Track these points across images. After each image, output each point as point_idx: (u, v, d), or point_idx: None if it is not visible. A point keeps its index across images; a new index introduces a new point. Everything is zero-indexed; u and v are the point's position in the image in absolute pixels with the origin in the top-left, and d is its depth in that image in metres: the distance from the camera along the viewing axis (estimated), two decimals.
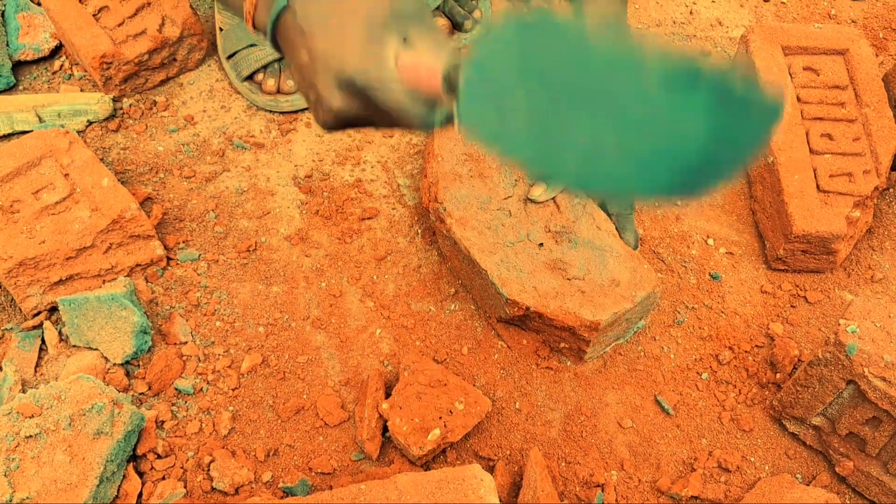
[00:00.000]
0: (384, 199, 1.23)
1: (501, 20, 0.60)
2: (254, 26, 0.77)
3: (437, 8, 1.37)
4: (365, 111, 0.70)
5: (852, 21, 1.46)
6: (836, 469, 1.00)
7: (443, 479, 0.86)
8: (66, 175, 1.11)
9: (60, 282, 1.08)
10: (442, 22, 1.36)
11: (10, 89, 1.32)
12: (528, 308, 1.02)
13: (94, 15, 1.28)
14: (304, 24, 0.70)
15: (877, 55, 1.40)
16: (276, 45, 0.75)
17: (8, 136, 1.26)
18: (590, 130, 0.56)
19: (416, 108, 0.67)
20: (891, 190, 1.24)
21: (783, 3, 1.48)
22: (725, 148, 0.55)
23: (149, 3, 1.30)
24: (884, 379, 0.89)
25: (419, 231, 1.20)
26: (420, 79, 0.66)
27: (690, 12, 1.46)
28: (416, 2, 0.70)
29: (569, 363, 1.10)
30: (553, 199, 1.10)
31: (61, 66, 1.35)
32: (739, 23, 1.45)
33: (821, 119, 1.19)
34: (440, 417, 0.99)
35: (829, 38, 1.26)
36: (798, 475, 1.03)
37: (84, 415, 0.94)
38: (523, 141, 0.59)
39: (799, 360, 1.08)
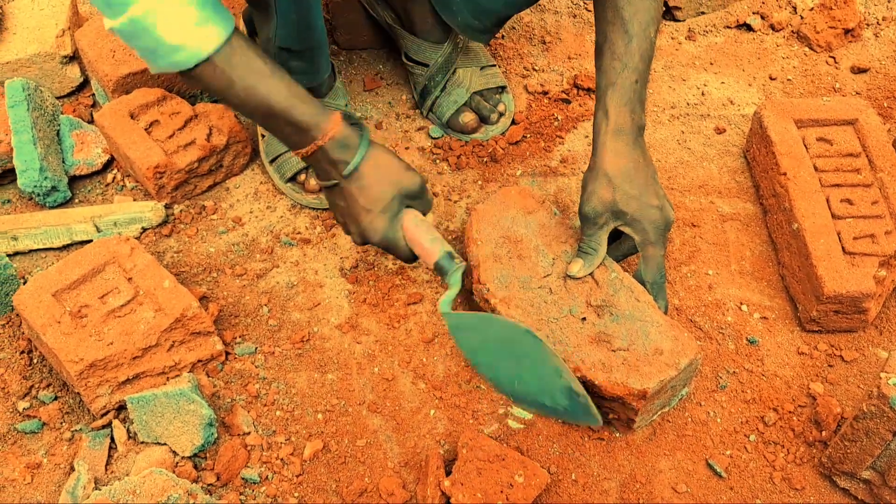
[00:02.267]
0: (427, 284, 1.29)
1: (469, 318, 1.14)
2: (304, 160, 1.10)
3: (465, 104, 1.46)
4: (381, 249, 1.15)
5: (857, 93, 1.54)
6: None
7: None
8: (130, 279, 1.18)
9: (127, 381, 1.13)
10: (470, 116, 1.45)
11: (67, 202, 1.40)
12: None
13: (145, 129, 1.38)
14: (350, 189, 1.08)
15: (884, 123, 1.47)
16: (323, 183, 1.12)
17: (67, 247, 1.34)
18: (513, 372, 1.11)
19: (412, 261, 1.14)
20: None
21: (789, 80, 1.57)
22: (564, 415, 1.10)
23: (196, 115, 1.40)
24: None
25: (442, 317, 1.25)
26: (419, 247, 1.10)
27: (702, 94, 1.55)
28: (420, 185, 1.10)
29: (618, 434, 1.13)
30: (591, 274, 1.15)
31: (114, 178, 1.44)
32: (750, 101, 1.53)
33: (839, 186, 1.26)
34: (501, 491, 1.02)
35: (838, 109, 1.34)
36: None
37: None
38: (474, 356, 1.14)
39: (842, 417, 1.11)
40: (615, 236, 1.16)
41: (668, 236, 1.12)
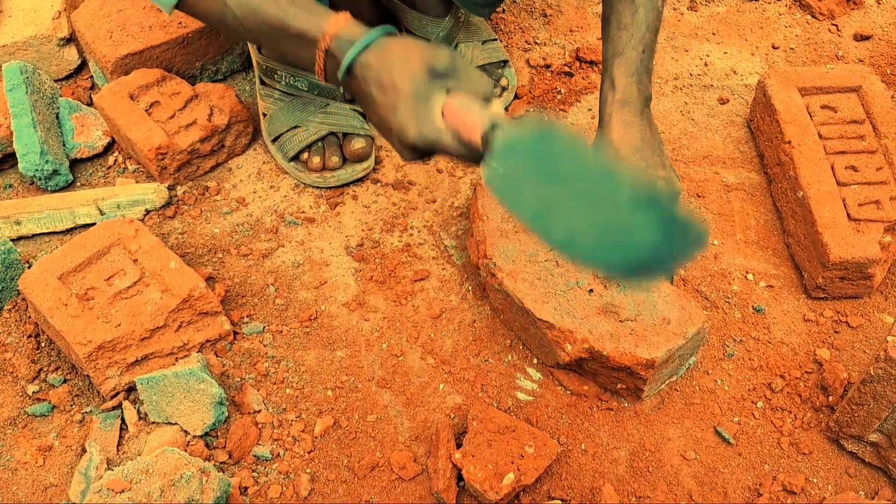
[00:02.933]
0: (433, 261, 1.29)
1: (528, 125, 0.83)
2: (326, 80, 0.96)
3: None
4: (430, 155, 0.90)
5: (859, 60, 1.53)
6: None
7: None
8: (135, 260, 1.18)
9: (136, 362, 1.13)
10: None
11: (69, 186, 1.40)
12: (586, 351, 1.07)
13: (146, 110, 1.37)
14: (368, 90, 0.90)
15: (887, 89, 1.47)
16: (349, 94, 0.97)
17: (71, 230, 1.34)
18: (577, 216, 0.80)
19: (466, 152, 0.87)
20: None
21: (792, 49, 1.56)
22: (663, 255, 0.78)
23: (196, 96, 1.39)
24: None
25: (470, 288, 1.25)
26: (462, 126, 0.86)
27: (705, 64, 1.54)
28: (449, 59, 0.88)
29: (626, 404, 1.14)
30: None
31: (115, 160, 1.43)
32: (753, 70, 1.53)
33: (843, 153, 1.25)
34: (512, 462, 1.03)
35: (842, 77, 1.33)
36: (861, 492, 1.05)
37: (174, 485, 0.99)
38: (530, 211, 0.83)
39: (849, 382, 1.12)
40: None
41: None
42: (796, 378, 1.15)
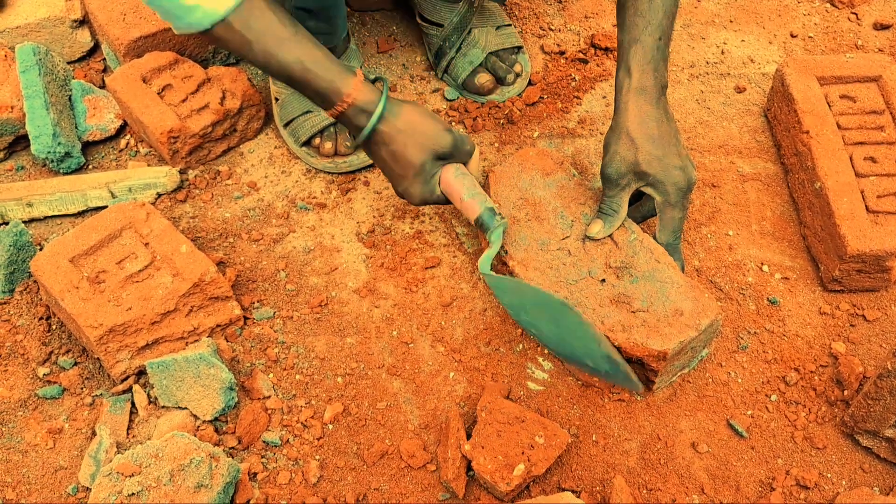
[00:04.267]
0: (445, 249, 1.28)
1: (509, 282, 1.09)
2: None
3: (481, 64, 1.43)
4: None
5: (879, 49, 1.51)
6: None
7: None
8: (147, 244, 1.17)
9: (147, 346, 1.13)
10: (486, 77, 1.43)
11: (81, 168, 1.39)
12: None
13: (158, 93, 1.36)
14: (381, 153, 1.08)
15: None
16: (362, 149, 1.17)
17: (82, 213, 1.33)
18: (554, 334, 1.07)
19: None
20: None
21: (810, 37, 1.54)
22: (610, 378, 1.07)
23: (208, 79, 1.38)
24: None
25: (481, 277, 1.24)
26: (458, 203, 1.10)
27: (722, 52, 1.52)
28: (451, 144, 1.07)
29: (638, 396, 1.13)
30: (610, 236, 1.14)
31: (127, 143, 1.43)
32: (770, 59, 1.51)
33: (862, 143, 1.24)
34: (523, 452, 1.02)
35: (861, 66, 1.31)
36: (875, 487, 1.04)
37: (183, 470, 0.99)
38: (517, 314, 1.09)
39: (864, 377, 1.11)
40: (635, 198, 1.15)
41: (690, 197, 1.10)
42: (811, 371, 1.14)
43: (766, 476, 1.06)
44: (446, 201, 1.12)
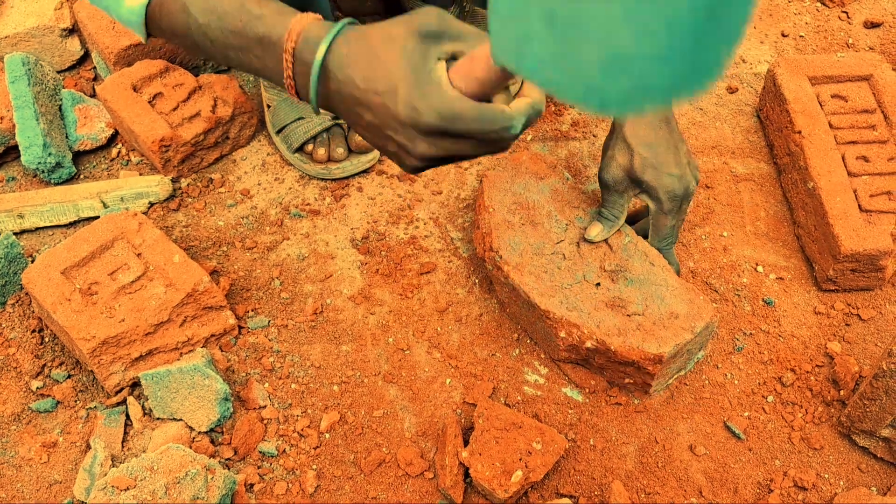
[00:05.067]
0: (440, 254, 1.28)
1: None
2: (297, 96, 0.81)
3: None
4: (449, 146, 0.74)
5: (870, 48, 1.51)
6: None
7: None
8: (139, 255, 1.17)
9: (141, 357, 1.13)
10: None
11: (72, 179, 1.39)
12: (591, 346, 1.06)
13: (149, 102, 1.36)
14: (353, 90, 0.74)
15: None
16: (327, 108, 0.80)
17: (74, 224, 1.33)
18: (604, 30, 0.52)
19: (493, 118, 0.71)
20: None
21: (801, 36, 1.54)
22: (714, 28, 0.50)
23: (200, 87, 1.38)
24: None
25: (476, 281, 1.24)
26: (474, 74, 0.69)
27: None
28: (437, 16, 0.73)
29: (636, 401, 1.13)
30: (605, 240, 1.14)
31: (118, 152, 1.42)
32: (762, 58, 1.51)
33: (854, 143, 1.24)
34: (520, 459, 1.02)
35: (852, 65, 1.31)
36: (873, 487, 1.04)
37: (179, 483, 0.98)
38: (548, 62, 0.58)
39: (860, 376, 1.11)
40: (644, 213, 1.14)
41: (687, 205, 1.10)
42: (807, 372, 1.14)
43: (763, 478, 1.06)
44: (468, 106, 0.70)
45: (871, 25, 1.55)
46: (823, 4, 1.59)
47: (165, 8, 0.87)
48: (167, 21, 0.87)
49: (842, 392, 1.10)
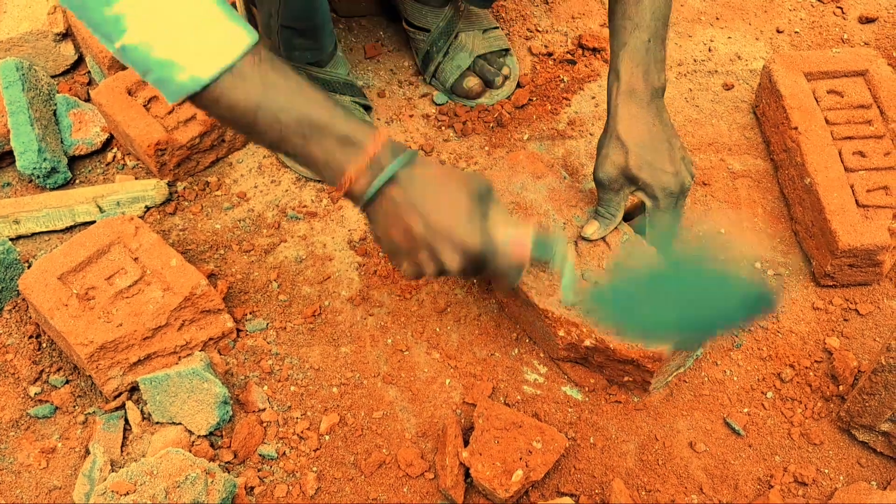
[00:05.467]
0: None
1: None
2: (344, 192, 0.89)
3: (469, 68, 1.43)
4: (471, 270, 0.90)
5: (865, 43, 1.51)
6: None
7: None
8: (136, 259, 1.16)
9: (139, 362, 1.12)
10: (474, 81, 1.43)
11: (67, 184, 1.38)
12: (590, 345, 1.06)
13: (144, 106, 1.35)
14: (416, 198, 0.87)
15: (894, 72, 1.44)
16: (366, 207, 0.89)
17: (71, 229, 1.32)
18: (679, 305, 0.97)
19: (512, 274, 0.92)
20: None
21: (796, 32, 1.54)
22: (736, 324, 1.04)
23: None
24: None
25: (475, 281, 1.24)
26: (511, 249, 0.90)
27: (709, 49, 1.52)
28: (488, 183, 0.92)
29: (636, 399, 1.13)
30: (603, 238, 1.13)
31: (114, 157, 1.42)
32: (757, 55, 1.51)
33: (851, 138, 1.24)
34: (521, 458, 1.02)
35: (848, 60, 1.31)
36: (873, 482, 1.04)
37: (179, 487, 0.98)
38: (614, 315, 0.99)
39: (859, 371, 1.11)
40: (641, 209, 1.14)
41: (684, 201, 1.10)
42: (806, 367, 1.14)
43: (764, 473, 1.06)
44: (503, 251, 0.90)
45: (867, 21, 1.55)
46: (819, 0, 1.59)
47: (231, 89, 0.83)
48: (227, 99, 0.83)
49: (841, 387, 1.10)
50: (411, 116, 1.45)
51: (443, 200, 0.87)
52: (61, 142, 1.40)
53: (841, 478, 1.05)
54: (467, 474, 1.04)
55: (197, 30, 0.80)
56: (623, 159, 1.06)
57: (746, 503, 1.03)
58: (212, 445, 1.08)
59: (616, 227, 1.13)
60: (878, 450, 1.06)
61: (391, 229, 0.89)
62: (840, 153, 1.22)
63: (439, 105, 1.46)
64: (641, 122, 1.06)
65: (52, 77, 1.52)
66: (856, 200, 1.17)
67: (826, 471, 1.06)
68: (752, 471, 1.06)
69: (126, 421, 1.12)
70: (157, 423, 1.11)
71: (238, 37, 0.82)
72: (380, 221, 0.90)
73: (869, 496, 0.98)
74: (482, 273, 0.91)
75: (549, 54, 1.52)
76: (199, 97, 0.83)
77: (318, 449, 1.09)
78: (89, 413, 1.13)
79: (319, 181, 1.36)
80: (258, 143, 0.96)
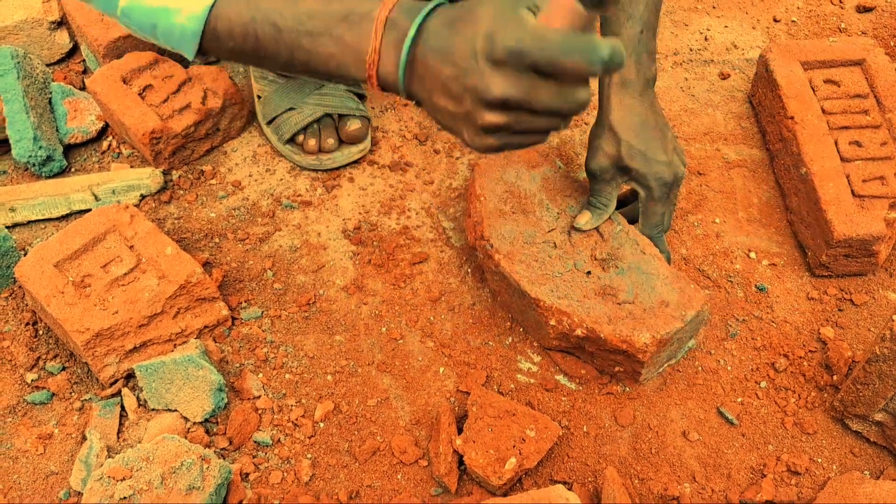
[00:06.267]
0: (432, 243, 1.28)
1: None
2: (376, 73, 0.78)
3: None
4: (527, 85, 0.69)
5: (862, 32, 1.51)
6: None
7: (530, 502, 0.89)
8: (132, 247, 1.17)
9: (135, 349, 1.13)
10: None
11: (63, 172, 1.38)
12: (581, 334, 1.06)
13: (139, 94, 1.35)
14: (443, 42, 0.73)
15: (891, 62, 1.44)
16: (407, 82, 0.78)
17: (66, 217, 1.33)
18: None
19: (576, 43, 0.66)
20: None
21: (793, 21, 1.54)
22: None
23: (190, 78, 1.37)
24: None
25: (469, 270, 1.24)
26: (558, 19, 0.70)
27: (705, 38, 1.52)
28: None
29: (626, 389, 1.13)
30: (596, 228, 1.14)
31: (109, 145, 1.42)
32: (754, 44, 1.50)
33: (847, 128, 1.24)
34: (514, 446, 1.02)
35: (845, 50, 1.31)
36: (866, 471, 1.05)
37: (174, 472, 0.98)
38: None
39: (853, 361, 1.11)
40: (633, 198, 1.14)
41: (677, 191, 1.10)
42: (800, 357, 1.14)
43: (756, 462, 1.06)
44: (557, 36, 0.67)
45: (864, 10, 1.55)
46: None
47: (224, 9, 0.83)
48: (224, 22, 0.83)
49: (835, 377, 1.11)
50: (406, 105, 1.45)
51: (467, 28, 0.71)
52: (56, 130, 1.40)
53: (834, 467, 1.06)
54: (461, 462, 1.05)
55: None
56: (616, 150, 1.06)
57: (739, 492, 1.04)
58: (207, 432, 1.09)
59: (609, 218, 1.13)
60: (872, 439, 1.06)
61: (434, 95, 0.76)
62: (836, 143, 1.22)
63: None
64: (634, 112, 1.06)
65: (47, 65, 1.51)
66: (851, 190, 1.17)
67: (819, 460, 1.06)
68: (745, 460, 1.07)
69: (122, 407, 1.13)
70: (153, 409, 1.12)
71: None
72: (424, 93, 0.77)
73: (861, 485, 0.98)
74: (542, 81, 0.69)
75: None
76: (204, 40, 0.83)
77: (312, 436, 1.10)
78: (86, 400, 1.14)
79: (314, 170, 1.35)
80: (277, 67, 0.87)
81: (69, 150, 1.41)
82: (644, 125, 1.07)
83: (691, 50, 1.51)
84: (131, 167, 1.38)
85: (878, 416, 1.03)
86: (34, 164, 1.34)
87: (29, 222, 1.32)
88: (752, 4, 1.57)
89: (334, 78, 0.82)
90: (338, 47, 0.79)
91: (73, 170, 1.39)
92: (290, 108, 1.36)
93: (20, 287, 1.21)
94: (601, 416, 1.11)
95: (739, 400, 1.12)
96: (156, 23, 0.86)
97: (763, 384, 1.13)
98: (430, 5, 0.76)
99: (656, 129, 1.07)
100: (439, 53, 0.73)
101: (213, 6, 0.84)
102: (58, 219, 1.32)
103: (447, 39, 0.73)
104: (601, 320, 1.06)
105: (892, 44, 1.49)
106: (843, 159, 1.21)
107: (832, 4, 1.57)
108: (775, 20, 1.55)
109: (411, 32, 0.74)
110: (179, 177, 1.36)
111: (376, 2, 0.78)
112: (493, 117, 0.72)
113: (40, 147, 1.32)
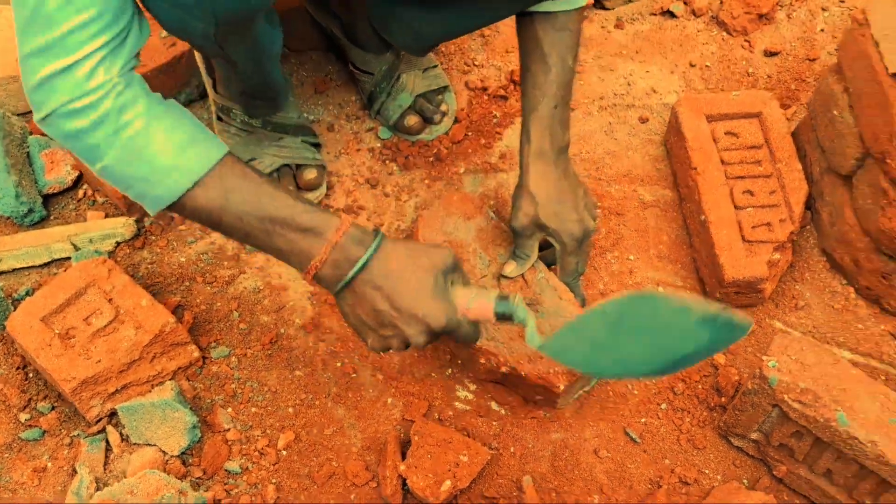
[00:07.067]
0: None
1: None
2: (315, 278, 1.02)
3: (410, 107, 1.57)
4: (435, 340, 1.05)
5: (768, 76, 1.68)
6: (774, 472, 1.22)
7: None
8: (110, 300, 1.31)
9: (116, 391, 1.28)
10: (415, 119, 1.57)
11: (43, 221, 1.52)
12: (506, 371, 1.23)
13: None
14: (384, 283, 1.00)
15: (789, 106, 1.61)
16: (338, 295, 1.04)
17: (47, 264, 1.46)
18: (638, 348, 1.05)
19: (474, 334, 1.08)
20: (806, 227, 1.46)
21: (707, 66, 1.70)
22: (718, 345, 1.06)
23: None
24: (800, 402, 1.10)
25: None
26: (473, 313, 1.06)
27: (628, 83, 1.68)
28: (453, 256, 1.05)
29: (547, 415, 1.30)
30: (522, 275, 1.30)
31: (84, 193, 1.55)
32: (671, 89, 1.66)
33: (742, 178, 1.41)
34: (449, 469, 1.19)
35: (745, 103, 1.47)
36: (745, 480, 1.24)
37: None
38: (589, 365, 1.10)
39: (739, 384, 1.29)
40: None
41: (589, 243, 1.26)
42: (696, 381, 1.33)
43: (654, 475, 1.25)
44: (465, 324, 1.06)
45: (770, 54, 1.71)
46: (728, 34, 1.75)
47: (198, 194, 0.99)
48: (193, 201, 0.99)
49: (723, 398, 1.29)
50: (358, 150, 1.60)
51: (409, 282, 1.00)
52: (35, 182, 1.52)
53: (718, 477, 1.25)
54: (405, 483, 1.22)
55: (165, 152, 0.97)
56: (534, 211, 1.22)
57: (638, 501, 1.22)
58: (183, 463, 1.25)
59: (532, 266, 1.30)
60: (750, 453, 1.25)
61: (359, 309, 1.03)
62: (731, 192, 1.39)
63: (384, 140, 1.61)
64: (549, 178, 1.22)
65: (22, 114, 1.63)
66: (742, 236, 1.35)
67: (706, 471, 1.25)
68: (645, 473, 1.25)
69: (107, 442, 1.28)
70: (135, 444, 1.27)
71: (205, 154, 0.99)
72: (349, 302, 1.04)
73: (738, 494, 1.17)
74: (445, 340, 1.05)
75: (484, 89, 1.67)
76: (171, 208, 1.00)
77: (276, 463, 1.26)
78: (74, 436, 1.29)
79: None
80: (229, 238, 1.12)
81: (48, 199, 1.54)
82: (558, 188, 1.23)
83: (615, 95, 1.67)
84: (106, 215, 1.51)
85: (754, 435, 1.22)
86: (16, 217, 1.47)
87: (13, 270, 1.46)
88: (672, 50, 1.73)
89: (277, 258, 1.05)
90: (289, 248, 1.01)
91: (52, 218, 1.53)
92: (252, 159, 1.50)
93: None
94: (526, 438, 1.28)
95: (643, 420, 1.30)
96: (131, 185, 1.00)
97: (664, 406, 1.31)
98: (377, 241, 1.01)
99: (569, 191, 1.24)
100: (379, 290, 1.00)
101: (187, 191, 0.98)
102: (40, 266, 1.46)
103: (390, 283, 1.00)
104: (522, 360, 1.23)
105: (792, 87, 1.66)
106: (736, 207, 1.38)
107: (743, 48, 1.73)
108: (691, 65, 1.71)
109: (359, 264, 1.00)
110: (151, 223, 1.50)
111: (332, 222, 1.00)
112: (402, 348, 1.06)
113: (22, 202, 1.46)
